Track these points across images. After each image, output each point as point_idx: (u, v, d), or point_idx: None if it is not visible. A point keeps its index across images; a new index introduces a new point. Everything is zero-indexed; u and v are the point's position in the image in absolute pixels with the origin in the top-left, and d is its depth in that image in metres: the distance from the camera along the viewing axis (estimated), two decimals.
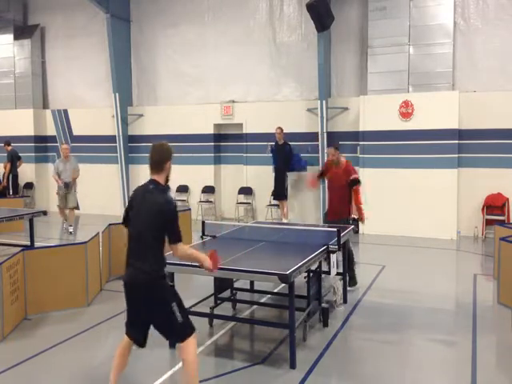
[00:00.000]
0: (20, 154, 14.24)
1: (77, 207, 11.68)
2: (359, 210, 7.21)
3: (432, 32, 10.86)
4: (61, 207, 11.40)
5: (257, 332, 5.56)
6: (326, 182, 7.41)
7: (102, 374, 4.65)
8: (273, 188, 12.04)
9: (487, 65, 10.63)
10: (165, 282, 3.74)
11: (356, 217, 11.21)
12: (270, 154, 11.92)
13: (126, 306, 3.82)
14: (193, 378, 3.68)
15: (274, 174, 11.93)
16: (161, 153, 3.82)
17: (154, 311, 3.71)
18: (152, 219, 3.67)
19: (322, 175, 7.46)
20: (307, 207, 12.25)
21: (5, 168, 14.11)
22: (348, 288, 6.69)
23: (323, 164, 7.62)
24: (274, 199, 12.14)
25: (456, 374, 4.66)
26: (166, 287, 3.75)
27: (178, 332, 3.73)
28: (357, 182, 7.07)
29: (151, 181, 3.81)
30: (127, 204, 3.92)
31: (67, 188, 11.11)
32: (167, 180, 3.85)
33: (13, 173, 14.13)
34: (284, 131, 11.84)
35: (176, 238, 3.67)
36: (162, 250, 3.74)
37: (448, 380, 4.60)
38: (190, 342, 3.71)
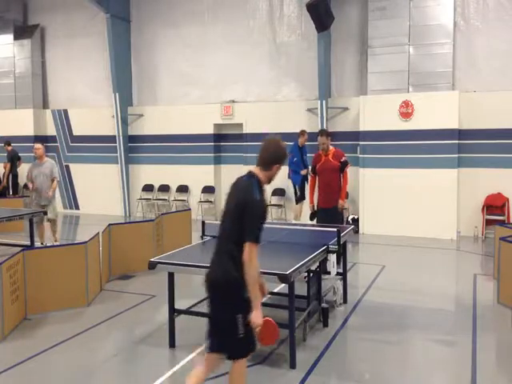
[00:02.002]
0: (20, 154, 14.25)
1: (55, 218, 9.37)
2: (344, 189, 7.42)
3: (432, 32, 10.86)
4: (37, 222, 9.15)
5: None
6: (317, 171, 7.52)
7: (102, 373, 4.66)
8: (296, 192, 11.22)
9: (487, 65, 10.63)
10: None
11: (356, 216, 11.29)
12: (294, 159, 10.95)
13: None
14: None
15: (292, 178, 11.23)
16: (272, 153, 3.55)
17: None
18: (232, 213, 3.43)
19: (314, 170, 7.59)
20: (307, 207, 12.24)
21: (4, 168, 14.12)
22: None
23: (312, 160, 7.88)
24: (298, 203, 11.19)
25: (456, 374, 4.66)
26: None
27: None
28: (347, 163, 7.40)
29: (249, 172, 3.57)
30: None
31: (40, 197, 9.08)
32: (269, 181, 3.60)
33: (13, 173, 14.15)
34: (284, 131, 11.80)
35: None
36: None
37: (448, 380, 4.60)
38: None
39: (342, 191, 7.38)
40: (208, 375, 3.59)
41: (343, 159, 7.34)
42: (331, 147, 7.48)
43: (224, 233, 3.49)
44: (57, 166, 9.55)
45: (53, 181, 9.14)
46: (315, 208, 7.59)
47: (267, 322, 3.39)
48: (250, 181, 3.51)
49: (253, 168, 3.61)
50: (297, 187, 11.16)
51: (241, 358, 3.44)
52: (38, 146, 9.44)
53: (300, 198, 11.10)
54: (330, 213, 7.21)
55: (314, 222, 7.62)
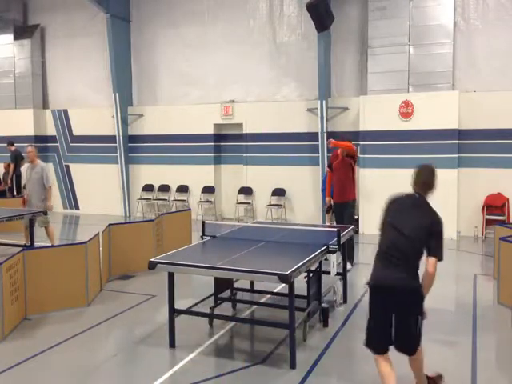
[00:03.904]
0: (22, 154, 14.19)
1: (45, 226, 8.93)
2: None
3: (432, 32, 10.86)
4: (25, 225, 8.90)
5: (257, 332, 5.56)
6: (333, 168, 8.27)
7: (101, 373, 4.66)
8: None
9: (487, 65, 10.64)
10: None
11: (356, 216, 11.28)
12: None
13: None
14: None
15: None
16: (434, 178, 4.15)
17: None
18: (419, 231, 3.89)
19: (331, 167, 8.35)
20: (307, 207, 12.25)
21: (5, 168, 14.09)
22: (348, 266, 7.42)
23: (328, 157, 8.55)
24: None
25: (456, 374, 4.66)
26: None
27: None
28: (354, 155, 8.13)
29: (414, 194, 4.14)
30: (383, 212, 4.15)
31: (30, 205, 8.80)
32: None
33: (16, 173, 14.09)
34: (284, 131, 11.81)
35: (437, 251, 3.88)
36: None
37: (448, 380, 4.59)
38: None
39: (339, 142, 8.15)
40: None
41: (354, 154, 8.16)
42: None
43: (407, 248, 3.90)
44: (48, 170, 9.12)
45: (45, 189, 8.81)
46: (331, 202, 8.35)
47: None
48: (426, 201, 4.08)
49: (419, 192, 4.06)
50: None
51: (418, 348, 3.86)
52: (29, 149, 9.05)
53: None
54: (344, 207, 8.10)
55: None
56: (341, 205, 8.19)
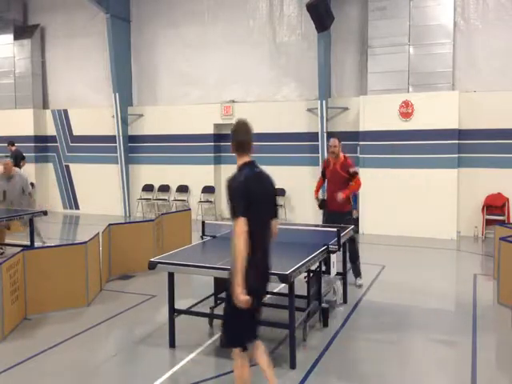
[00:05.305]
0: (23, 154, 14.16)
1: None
2: (351, 189, 7.05)
3: (432, 32, 10.86)
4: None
5: None
6: (326, 177, 7.39)
7: (101, 374, 4.66)
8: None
9: (487, 65, 10.64)
10: None
11: (356, 216, 11.28)
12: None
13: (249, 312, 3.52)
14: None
15: None
16: (251, 133, 3.85)
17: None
18: (273, 201, 3.81)
19: (323, 174, 7.45)
20: (307, 207, 12.24)
21: None
22: (358, 282, 7.19)
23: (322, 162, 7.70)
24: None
25: (456, 374, 4.66)
26: None
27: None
28: (356, 174, 7.09)
29: (254, 163, 3.77)
30: (245, 195, 3.68)
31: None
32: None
33: None
34: (284, 131, 11.79)
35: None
36: None
37: (448, 380, 4.60)
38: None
39: (348, 189, 6.99)
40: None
41: (352, 171, 7.02)
42: (341, 154, 7.16)
43: (268, 224, 3.72)
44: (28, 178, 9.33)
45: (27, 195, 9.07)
46: (319, 197, 7.49)
47: None
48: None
49: (248, 157, 3.83)
50: None
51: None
52: (7, 161, 9.01)
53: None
54: (337, 216, 6.99)
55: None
56: (336, 215, 7.04)
